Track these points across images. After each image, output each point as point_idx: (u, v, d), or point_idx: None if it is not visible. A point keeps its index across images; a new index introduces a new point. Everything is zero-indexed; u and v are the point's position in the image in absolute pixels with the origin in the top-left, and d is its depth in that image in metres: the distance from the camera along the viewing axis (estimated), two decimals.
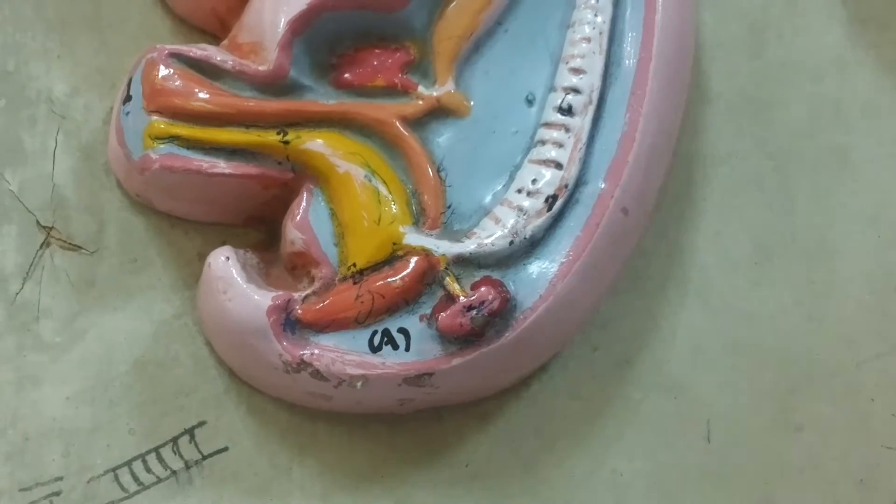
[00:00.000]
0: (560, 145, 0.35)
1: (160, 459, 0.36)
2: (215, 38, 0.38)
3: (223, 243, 0.37)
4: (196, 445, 0.37)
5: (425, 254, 0.34)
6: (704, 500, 0.37)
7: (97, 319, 0.37)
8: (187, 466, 0.36)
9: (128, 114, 0.36)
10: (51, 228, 0.38)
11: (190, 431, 0.37)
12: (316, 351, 0.34)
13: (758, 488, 0.37)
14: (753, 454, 0.37)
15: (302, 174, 0.36)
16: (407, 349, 0.34)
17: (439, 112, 0.36)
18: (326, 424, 0.37)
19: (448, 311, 0.34)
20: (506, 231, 0.35)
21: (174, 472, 0.36)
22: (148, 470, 0.36)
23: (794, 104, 0.40)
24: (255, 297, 0.34)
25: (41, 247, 0.37)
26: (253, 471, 0.37)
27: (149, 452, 0.36)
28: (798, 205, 0.39)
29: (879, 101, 0.40)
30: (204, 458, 0.37)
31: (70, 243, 0.38)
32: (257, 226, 0.38)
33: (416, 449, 0.37)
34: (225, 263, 0.35)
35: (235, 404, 0.37)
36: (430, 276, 0.34)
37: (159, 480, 0.36)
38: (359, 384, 0.34)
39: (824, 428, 0.38)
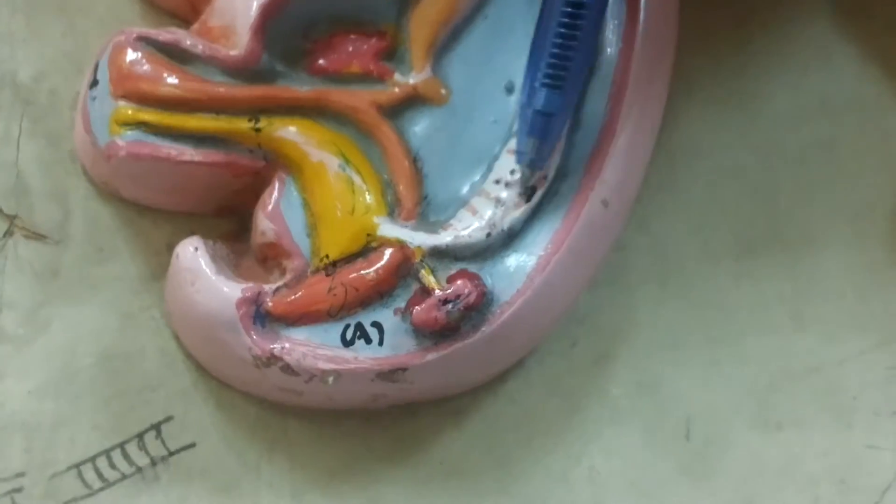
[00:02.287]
0: None
1: (125, 455, 0.35)
2: (186, 22, 0.37)
3: (192, 233, 0.36)
4: (162, 441, 0.36)
5: (400, 245, 0.34)
6: (683, 499, 0.36)
7: (62, 311, 0.36)
8: (153, 463, 0.36)
9: (94, 99, 0.35)
10: (14, 217, 0.37)
11: (156, 427, 0.36)
12: (287, 345, 0.33)
13: (737, 487, 0.37)
14: (733, 452, 0.37)
15: (274, 163, 0.35)
16: (380, 343, 0.33)
17: (416, 100, 0.35)
18: (297, 420, 0.36)
19: (423, 305, 0.33)
20: (483, 223, 0.34)
21: (139, 469, 0.36)
22: (112, 466, 0.35)
23: (778, 96, 0.39)
24: (225, 288, 0.33)
25: (4, 236, 0.36)
26: (221, 467, 0.36)
27: (113, 448, 0.35)
28: (781, 198, 0.38)
29: (865, 93, 0.39)
30: (170, 454, 0.36)
31: (34, 232, 0.36)
32: (228, 215, 0.37)
33: (390, 446, 0.36)
34: (193, 254, 0.34)
35: (203, 399, 0.36)
36: (404, 268, 0.34)
37: (124, 477, 0.35)
38: (330, 379, 0.33)
39: (805, 426, 0.37)
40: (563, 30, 0.33)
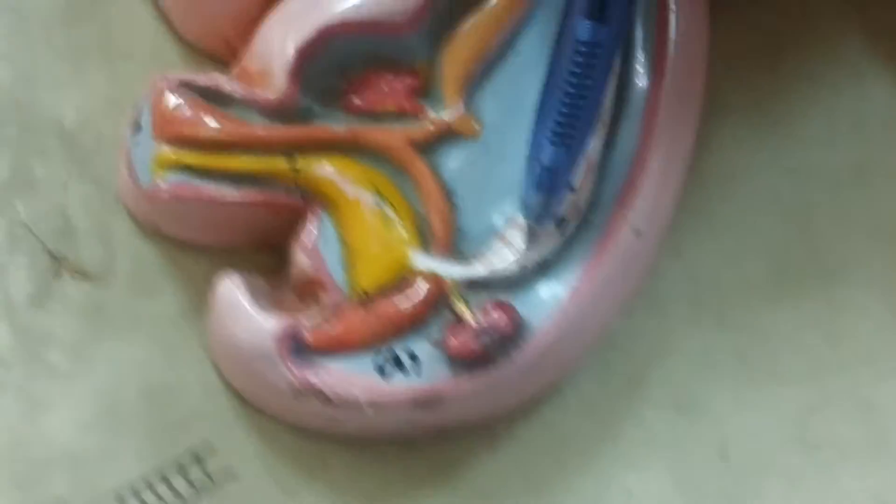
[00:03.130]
0: None
1: (168, 484, 0.36)
2: (225, 64, 0.38)
3: (232, 268, 0.37)
4: (204, 470, 0.37)
5: (434, 277, 0.34)
6: None
7: (107, 346, 0.37)
8: (197, 492, 0.36)
9: (137, 143, 0.36)
10: (63, 259, 0.38)
11: (198, 456, 0.37)
12: (324, 375, 0.34)
13: None
14: (770, 474, 0.37)
15: (311, 200, 0.36)
16: (416, 373, 0.34)
17: (449, 135, 0.36)
18: (335, 447, 0.37)
19: (458, 335, 0.34)
20: (516, 255, 0.34)
21: (183, 498, 0.36)
22: (157, 495, 0.36)
23: (811, 118, 0.39)
24: (263, 322, 0.34)
25: (52, 276, 0.38)
26: (262, 495, 0.37)
27: (156, 477, 0.36)
28: (816, 221, 0.39)
29: None
30: (213, 483, 0.36)
31: (81, 272, 0.38)
32: (267, 250, 0.38)
33: (427, 472, 0.37)
34: (231, 289, 0.35)
35: (245, 429, 0.37)
36: (439, 299, 0.34)
37: None
38: (371, 410, 0.34)
39: (842, 447, 0.37)
40: (572, 88, 0.33)
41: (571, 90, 0.33)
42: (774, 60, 0.39)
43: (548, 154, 0.34)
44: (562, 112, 0.33)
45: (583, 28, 0.33)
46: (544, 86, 0.34)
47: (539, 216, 0.34)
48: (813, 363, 0.38)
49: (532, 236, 0.34)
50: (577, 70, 0.33)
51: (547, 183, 0.34)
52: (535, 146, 0.34)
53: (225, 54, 0.38)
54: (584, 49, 0.33)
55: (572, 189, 0.35)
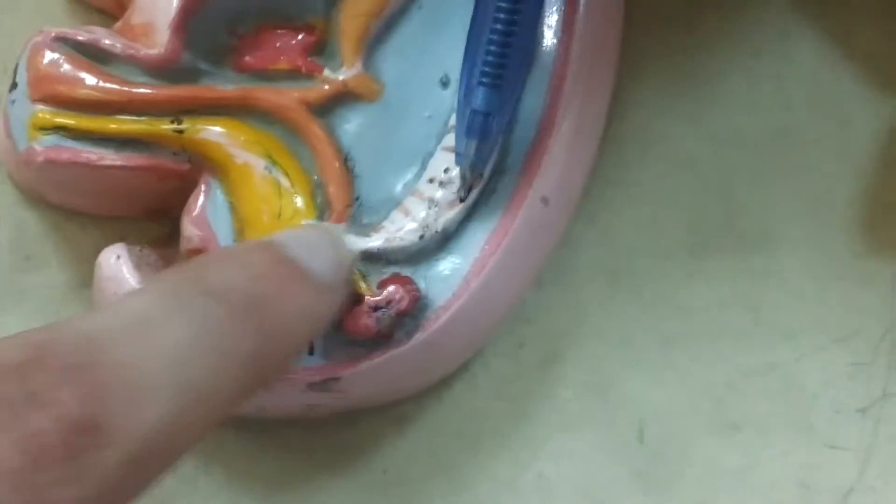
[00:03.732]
0: None
1: None
2: (114, 19, 0.35)
3: (122, 238, 0.34)
4: None
5: None
6: None
7: None
8: None
9: (13, 102, 0.34)
10: None
11: None
12: None
13: (694, 492, 0.35)
14: (689, 456, 0.35)
15: (199, 165, 0.33)
16: (311, 352, 0.32)
17: (347, 96, 0.34)
18: (234, 431, 0.35)
19: (353, 312, 0.32)
20: (416, 224, 0.32)
21: None
22: None
23: (732, 81, 0.37)
24: None
25: None
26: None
27: None
28: (736, 189, 0.37)
29: (823, 77, 0.37)
30: None
31: None
32: (160, 219, 0.36)
33: (330, 455, 0.35)
34: (116, 263, 0.33)
35: None
36: None
37: None
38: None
39: (763, 426, 0.36)
40: (500, 25, 0.31)
41: (500, 27, 0.31)
42: (694, 20, 0.37)
43: (478, 97, 0.32)
44: (491, 51, 0.31)
45: None
46: (471, 26, 0.32)
47: (473, 163, 0.32)
48: (732, 339, 0.36)
49: (465, 185, 0.33)
50: (507, 5, 0.31)
51: (479, 127, 0.32)
52: (464, 93, 0.32)
53: (112, 8, 0.36)
54: None
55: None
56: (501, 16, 0.31)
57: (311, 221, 0.33)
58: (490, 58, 0.32)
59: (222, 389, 0.26)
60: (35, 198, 0.36)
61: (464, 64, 0.32)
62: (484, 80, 0.32)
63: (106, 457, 0.24)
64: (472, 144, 0.32)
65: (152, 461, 0.25)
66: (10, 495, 0.22)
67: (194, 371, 0.25)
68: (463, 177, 0.33)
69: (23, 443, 0.23)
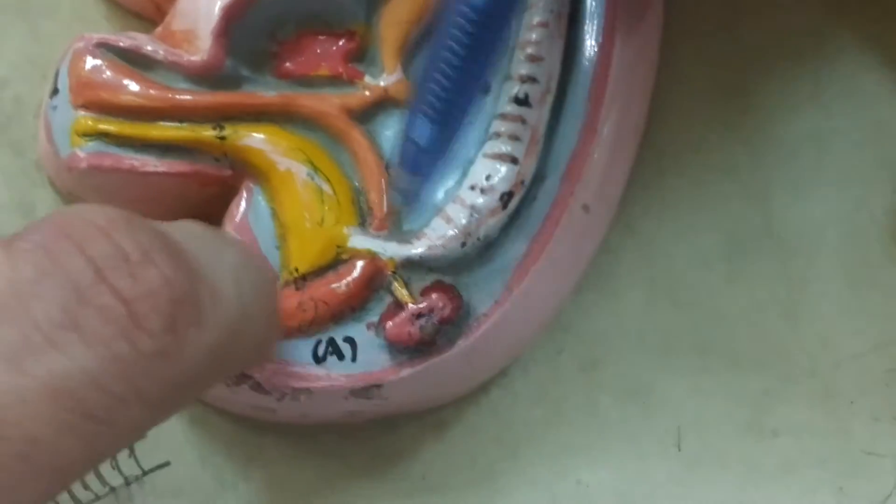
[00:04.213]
0: (516, 138, 0.33)
1: (98, 475, 0.34)
2: (153, 23, 0.35)
3: None
4: (136, 460, 0.34)
5: (371, 257, 0.32)
6: None
7: None
8: (127, 483, 0.34)
9: (55, 108, 0.34)
10: None
11: (129, 446, 0.34)
12: None
13: (732, 498, 0.35)
14: (727, 461, 0.35)
15: (241, 171, 0.33)
16: (353, 359, 0.32)
17: (387, 103, 0.34)
18: (274, 437, 0.35)
19: (396, 320, 0.32)
20: (457, 232, 0.32)
21: (113, 489, 0.34)
22: (85, 487, 0.34)
23: (770, 87, 0.37)
24: None
25: None
26: (197, 486, 0.35)
27: None
28: (773, 195, 0.37)
29: (860, 83, 0.37)
30: (145, 473, 0.34)
31: None
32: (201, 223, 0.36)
33: (369, 461, 0.35)
34: None
35: (177, 417, 0.35)
36: (377, 281, 0.32)
37: (97, 498, 0.34)
38: (302, 397, 0.32)
39: (801, 433, 0.36)
40: (457, 54, 0.30)
41: (456, 62, 0.30)
42: (731, 26, 0.37)
43: (422, 131, 0.30)
44: (439, 82, 0.30)
45: None
46: (431, 51, 0.31)
47: (405, 197, 0.31)
48: (770, 345, 0.36)
49: (395, 221, 0.32)
50: (465, 40, 0.30)
51: (416, 163, 0.31)
52: (410, 119, 0.31)
53: (151, 13, 0.36)
54: (474, 17, 0.30)
55: (516, 161, 0.32)
56: (462, 45, 0.30)
57: (353, 228, 0.33)
58: (436, 87, 0.30)
59: (260, 316, 0.27)
60: (75, 202, 0.36)
61: (416, 86, 0.31)
62: (426, 108, 0.30)
63: (200, 337, 0.24)
64: (407, 177, 0.31)
65: (223, 361, 0.26)
66: (112, 344, 0.23)
67: (246, 290, 0.26)
68: (390, 208, 0.32)
69: (133, 296, 0.23)
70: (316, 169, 0.33)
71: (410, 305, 0.32)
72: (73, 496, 0.34)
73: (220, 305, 0.25)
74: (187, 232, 0.27)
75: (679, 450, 0.36)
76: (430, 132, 0.30)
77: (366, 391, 0.32)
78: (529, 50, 0.33)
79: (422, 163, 0.31)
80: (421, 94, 0.31)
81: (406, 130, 0.31)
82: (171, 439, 0.35)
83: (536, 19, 0.33)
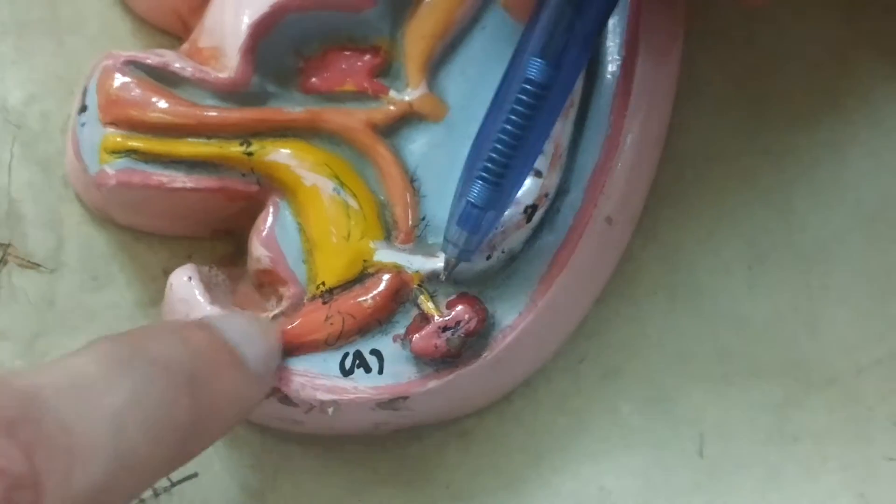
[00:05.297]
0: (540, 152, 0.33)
1: None
2: (179, 40, 0.36)
3: (189, 257, 0.35)
4: None
5: (397, 271, 0.33)
6: None
7: (58, 340, 0.35)
8: (156, 494, 0.35)
9: (83, 125, 0.34)
10: (7, 246, 0.36)
11: None
12: (284, 375, 0.32)
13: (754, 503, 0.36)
14: (748, 468, 0.36)
15: (268, 186, 0.34)
16: (380, 372, 0.33)
17: (412, 117, 0.34)
18: (300, 447, 0.35)
19: (422, 332, 0.32)
20: (482, 245, 0.33)
21: (142, 500, 0.35)
22: None
23: (790, 96, 0.38)
24: None
25: None
26: (224, 497, 0.35)
27: None
28: (794, 203, 0.37)
29: (880, 92, 0.38)
30: (173, 484, 0.35)
31: (28, 261, 0.36)
32: (225, 238, 0.36)
33: (395, 470, 0.36)
34: (187, 284, 0.33)
35: None
36: (403, 294, 0.33)
37: None
38: (330, 410, 0.33)
39: (822, 439, 0.36)
40: (511, 126, 0.30)
41: (511, 129, 0.30)
42: (751, 36, 0.38)
43: (476, 191, 0.31)
44: (498, 150, 0.30)
45: (534, 67, 0.30)
46: (486, 114, 0.31)
47: (461, 253, 0.32)
48: (791, 352, 0.36)
49: (451, 272, 0.32)
50: (521, 109, 0.30)
51: (472, 221, 0.31)
52: (465, 179, 0.31)
53: (178, 29, 0.36)
54: (531, 89, 0.30)
55: (540, 174, 0.33)
56: (517, 114, 0.30)
57: (379, 242, 0.33)
58: (495, 155, 0.30)
59: (155, 458, 0.26)
60: (103, 218, 0.36)
61: (473, 144, 0.31)
62: (485, 174, 0.31)
63: None
64: (462, 235, 0.31)
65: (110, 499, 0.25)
66: None
67: (132, 437, 0.25)
68: (447, 262, 0.32)
69: None
70: (342, 183, 0.33)
71: (437, 318, 0.32)
72: None
73: (76, 472, 0.24)
74: (66, 381, 0.25)
75: (701, 456, 0.36)
76: (490, 195, 0.31)
77: (392, 403, 0.33)
78: None
79: (481, 222, 0.31)
80: (478, 152, 0.31)
81: (461, 191, 0.31)
82: None
83: None
